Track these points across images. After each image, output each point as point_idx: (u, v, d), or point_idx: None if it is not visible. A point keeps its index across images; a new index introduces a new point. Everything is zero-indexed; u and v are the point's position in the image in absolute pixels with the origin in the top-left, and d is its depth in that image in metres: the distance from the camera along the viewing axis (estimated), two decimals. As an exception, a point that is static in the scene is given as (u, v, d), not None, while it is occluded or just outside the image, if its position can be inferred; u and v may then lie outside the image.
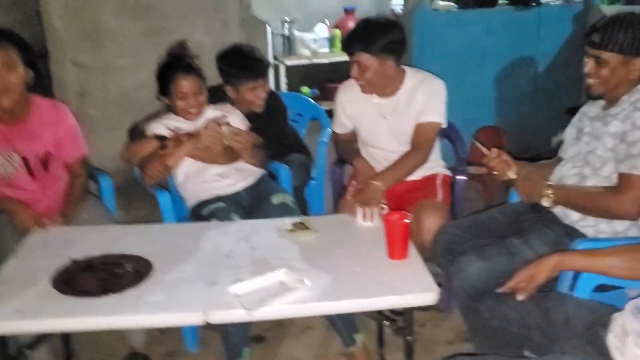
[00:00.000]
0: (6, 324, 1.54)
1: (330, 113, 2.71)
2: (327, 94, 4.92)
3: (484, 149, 2.00)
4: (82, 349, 2.39)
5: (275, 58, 5.06)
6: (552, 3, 4.29)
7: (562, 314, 1.53)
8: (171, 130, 2.36)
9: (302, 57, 5.21)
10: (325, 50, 5.28)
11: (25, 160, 2.21)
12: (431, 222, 2.20)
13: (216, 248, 1.88)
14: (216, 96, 2.50)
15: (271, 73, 3.87)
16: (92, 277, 1.70)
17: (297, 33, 5.30)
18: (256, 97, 2.56)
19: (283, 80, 5.17)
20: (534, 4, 4.12)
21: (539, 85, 4.20)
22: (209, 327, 1.66)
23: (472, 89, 3.93)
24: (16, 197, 2.19)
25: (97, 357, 2.41)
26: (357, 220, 2.04)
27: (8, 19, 3.04)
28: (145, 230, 2.14)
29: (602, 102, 1.94)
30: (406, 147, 2.39)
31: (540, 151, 3.61)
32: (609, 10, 4.17)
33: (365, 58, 2.26)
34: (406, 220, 1.74)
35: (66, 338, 2.24)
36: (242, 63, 2.53)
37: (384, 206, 2.11)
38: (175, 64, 2.34)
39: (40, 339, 1.90)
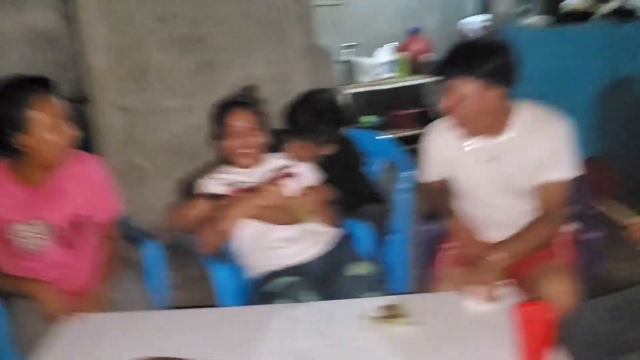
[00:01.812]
0: None
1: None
2: (392, 123, 4.75)
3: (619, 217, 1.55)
4: None
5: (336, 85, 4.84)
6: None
7: None
8: (229, 185, 2.06)
9: (363, 84, 5.00)
10: (390, 75, 5.05)
11: (54, 228, 1.89)
12: (556, 288, 1.76)
13: (287, 342, 1.51)
14: (278, 143, 2.16)
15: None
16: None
17: (358, 58, 5.10)
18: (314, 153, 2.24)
19: (346, 110, 4.90)
20: (635, 17, 3.76)
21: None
22: None
23: (568, 116, 3.49)
24: (46, 276, 1.86)
25: None
26: (466, 302, 1.61)
27: (44, 61, 2.84)
28: (199, 316, 1.75)
29: None
30: (518, 205, 1.95)
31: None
32: None
33: (465, 84, 1.83)
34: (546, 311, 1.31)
35: None
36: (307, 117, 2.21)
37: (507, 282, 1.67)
38: (231, 102, 2.14)
39: None
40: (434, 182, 2.12)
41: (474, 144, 1.97)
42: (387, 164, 2.68)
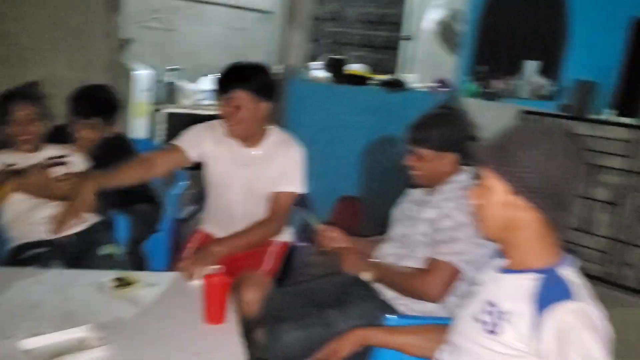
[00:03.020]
0: None
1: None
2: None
3: (312, 223, 2.08)
4: None
5: (156, 103, 5.06)
6: (420, 89, 4.63)
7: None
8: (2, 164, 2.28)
9: (184, 107, 5.25)
10: (209, 102, 5.34)
11: None
12: (251, 296, 2.15)
13: (25, 297, 1.76)
14: (62, 135, 2.43)
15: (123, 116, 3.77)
16: None
17: (181, 82, 5.36)
18: (87, 135, 2.53)
19: (162, 127, 5.14)
20: (401, 88, 4.41)
21: (400, 163, 4.38)
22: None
23: (337, 160, 4.09)
24: None
25: None
26: (187, 279, 1.99)
27: None
28: None
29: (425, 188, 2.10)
30: (254, 206, 2.33)
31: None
32: (470, 102, 4.59)
33: (242, 96, 2.20)
34: (224, 283, 1.73)
35: None
36: (80, 100, 2.52)
37: (217, 266, 2.08)
38: (15, 93, 2.34)
39: None
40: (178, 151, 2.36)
41: (236, 148, 2.34)
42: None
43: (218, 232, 2.41)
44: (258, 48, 5.75)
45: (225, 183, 2.38)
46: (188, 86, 5.48)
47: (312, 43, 5.46)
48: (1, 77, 3.19)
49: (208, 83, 5.37)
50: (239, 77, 2.22)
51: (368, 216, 3.81)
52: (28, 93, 2.36)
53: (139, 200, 2.70)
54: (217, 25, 5.89)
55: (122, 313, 1.74)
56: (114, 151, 2.56)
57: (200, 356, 1.58)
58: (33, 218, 2.26)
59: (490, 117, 4.18)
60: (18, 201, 2.27)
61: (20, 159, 2.32)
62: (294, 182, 2.35)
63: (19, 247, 2.22)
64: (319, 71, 4.37)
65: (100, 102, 2.57)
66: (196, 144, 2.37)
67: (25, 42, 3.32)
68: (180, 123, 5.43)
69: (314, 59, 4.86)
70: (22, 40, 3.31)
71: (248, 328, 1.80)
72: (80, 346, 1.53)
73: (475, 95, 4.80)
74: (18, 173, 2.25)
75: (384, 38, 6.03)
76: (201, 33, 5.78)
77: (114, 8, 3.52)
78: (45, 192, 2.26)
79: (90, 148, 2.53)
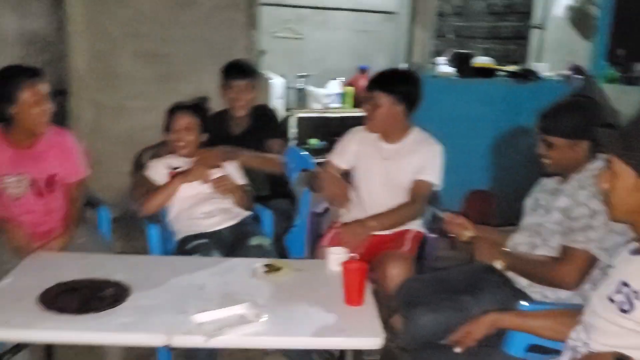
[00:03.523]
0: (-8, 331, 1.72)
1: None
2: (333, 147, 5.09)
3: (440, 213, 2.17)
4: (64, 366, 2.53)
5: (287, 109, 5.31)
6: (553, 78, 4.48)
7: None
8: (169, 168, 2.64)
9: (313, 111, 5.44)
10: (337, 105, 5.49)
11: (32, 182, 2.41)
12: (395, 271, 2.33)
13: (192, 280, 2.04)
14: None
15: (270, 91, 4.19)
16: (74, 297, 1.85)
17: (310, 87, 5.57)
18: (237, 97, 2.98)
19: (293, 131, 5.40)
20: (532, 78, 4.30)
21: (533, 154, 4.31)
22: (172, 349, 1.81)
23: (466, 155, 4.08)
24: (23, 218, 2.38)
25: (76, 375, 2.55)
26: (329, 265, 2.15)
27: (37, 59, 3.31)
28: (133, 260, 2.31)
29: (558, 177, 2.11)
30: (394, 197, 2.54)
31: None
32: (608, 88, 4.38)
33: (382, 97, 2.49)
34: (362, 268, 1.88)
35: (49, 356, 2.40)
36: (233, 67, 3.05)
37: (353, 255, 2.23)
38: (181, 105, 2.66)
39: (19, 347, 2.06)
40: (336, 168, 2.70)
41: (379, 144, 2.61)
42: (303, 171, 3.30)
43: None
44: (383, 49, 5.84)
45: (367, 175, 2.64)
46: (317, 91, 5.68)
47: (436, 39, 5.49)
48: (162, 91, 3.65)
49: (336, 87, 5.53)
50: (384, 81, 2.53)
51: (499, 208, 3.78)
52: (190, 105, 2.66)
53: (280, 196, 2.97)
54: (343, 29, 6.03)
55: (273, 293, 1.96)
56: (262, 117, 3.05)
57: (343, 332, 1.75)
58: (194, 214, 2.57)
59: (631, 103, 4.00)
60: (180, 199, 2.59)
61: (184, 163, 2.63)
62: (433, 174, 2.56)
63: (183, 239, 2.53)
64: (444, 66, 4.38)
65: (248, 67, 3.05)
66: (343, 153, 2.70)
67: (181, 61, 3.74)
68: (310, 126, 5.81)
69: (439, 54, 4.87)
70: (177, 60, 3.74)
71: (387, 315, 1.93)
72: (241, 321, 1.76)
73: (613, 80, 4.56)
74: (181, 173, 2.59)
75: (512, 28, 5.89)
76: (327, 39, 5.95)
77: (253, 25, 3.87)
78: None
79: (245, 110, 3.00)
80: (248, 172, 2.83)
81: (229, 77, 3.01)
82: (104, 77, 3.57)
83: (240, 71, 3.04)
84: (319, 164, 3.22)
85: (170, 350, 2.18)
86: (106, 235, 2.65)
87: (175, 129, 2.62)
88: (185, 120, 2.62)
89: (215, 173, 2.61)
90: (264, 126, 3.08)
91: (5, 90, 2.26)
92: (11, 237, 2.30)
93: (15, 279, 2.00)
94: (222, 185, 2.58)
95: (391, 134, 2.59)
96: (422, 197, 2.53)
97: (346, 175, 2.72)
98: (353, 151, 2.67)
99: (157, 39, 3.68)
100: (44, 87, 2.33)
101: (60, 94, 2.85)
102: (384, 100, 2.49)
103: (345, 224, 2.49)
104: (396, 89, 2.49)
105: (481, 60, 4.51)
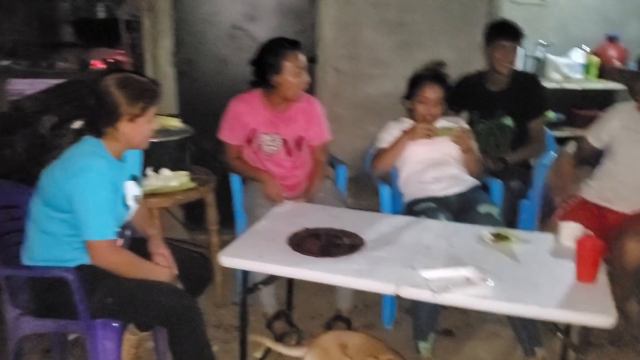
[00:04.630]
0: (249, 263, 2.02)
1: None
2: (573, 120, 4.81)
3: None
4: (299, 304, 2.87)
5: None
6: None
7: None
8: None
9: (552, 81, 5.16)
10: (579, 76, 5.07)
11: (284, 142, 2.72)
12: (634, 246, 2.17)
13: (419, 239, 2.14)
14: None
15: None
16: (317, 242, 2.09)
17: (550, 56, 5.28)
18: (502, 57, 2.99)
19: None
20: None
21: None
22: (399, 299, 1.93)
23: None
24: (273, 172, 2.70)
25: (308, 313, 2.88)
26: (561, 240, 2.09)
27: (291, 29, 3.67)
28: (366, 215, 2.47)
29: None
30: None
31: None
32: None
33: None
34: (598, 244, 1.80)
35: (289, 290, 2.73)
36: (499, 25, 3.07)
37: (588, 231, 2.12)
38: (428, 73, 2.67)
39: (270, 279, 2.38)
40: (587, 147, 2.66)
41: None
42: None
43: (597, 199, 2.59)
44: (637, 14, 5.23)
45: (631, 153, 2.51)
46: (557, 60, 5.35)
47: None
48: (401, 60, 3.77)
49: (579, 56, 5.08)
50: None
51: None
52: (438, 75, 2.66)
53: (514, 177, 2.93)
54: (594, -7, 5.54)
55: (500, 261, 1.97)
56: (526, 84, 3.10)
57: (573, 307, 1.70)
58: (424, 178, 2.66)
59: None
60: (411, 163, 2.69)
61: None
62: None
63: (411, 201, 2.64)
64: None
65: (517, 29, 3.02)
66: (601, 132, 2.63)
67: (419, 29, 3.82)
68: (550, 99, 5.45)
69: None
70: (415, 28, 3.81)
71: (621, 298, 1.82)
72: (467, 282, 1.81)
73: None
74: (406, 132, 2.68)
75: None
76: (572, 3, 5.50)
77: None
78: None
79: (507, 70, 3.02)
80: (494, 135, 2.87)
81: (499, 37, 2.99)
82: (345, 45, 3.78)
83: (511, 32, 3.01)
84: (559, 140, 3.12)
85: (396, 300, 2.32)
86: (342, 192, 2.88)
87: (424, 101, 2.63)
88: (436, 94, 2.62)
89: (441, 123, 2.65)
90: (527, 96, 3.08)
91: (272, 59, 2.53)
92: (266, 186, 2.62)
93: (269, 223, 2.30)
94: (464, 137, 2.61)
95: None
96: None
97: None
98: (614, 127, 2.55)
99: (397, 8, 3.77)
100: (303, 58, 2.58)
101: (310, 61, 3.12)
102: None
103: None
104: None
105: None
